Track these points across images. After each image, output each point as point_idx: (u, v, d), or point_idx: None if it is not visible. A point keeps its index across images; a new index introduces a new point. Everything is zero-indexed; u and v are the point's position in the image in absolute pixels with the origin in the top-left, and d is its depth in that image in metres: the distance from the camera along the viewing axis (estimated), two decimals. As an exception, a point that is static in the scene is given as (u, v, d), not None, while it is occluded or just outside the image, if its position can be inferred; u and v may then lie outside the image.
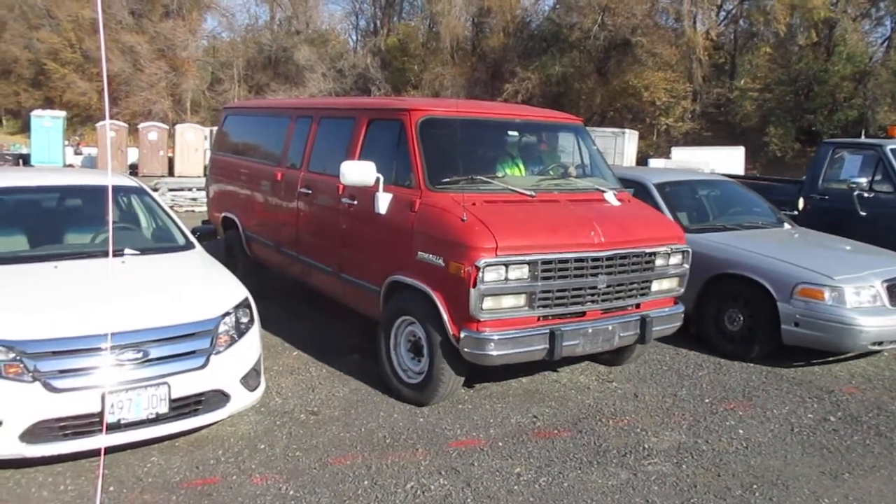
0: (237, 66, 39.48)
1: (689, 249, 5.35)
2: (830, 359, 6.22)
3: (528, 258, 4.47)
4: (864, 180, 8.36)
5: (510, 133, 5.90)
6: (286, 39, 39.94)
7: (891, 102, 28.36)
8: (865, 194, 8.27)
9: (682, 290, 5.42)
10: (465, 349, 4.49)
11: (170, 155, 24.35)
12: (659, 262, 5.12)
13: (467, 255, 4.37)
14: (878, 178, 8.36)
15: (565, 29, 34.59)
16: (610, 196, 5.35)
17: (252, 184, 7.22)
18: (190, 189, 16.51)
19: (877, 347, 5.88)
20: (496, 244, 4.37)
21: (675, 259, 5.25)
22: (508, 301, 4.49)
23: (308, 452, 4.19)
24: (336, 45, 41.03)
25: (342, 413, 4.78)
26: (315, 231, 6.13)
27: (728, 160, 21.08)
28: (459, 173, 4.96)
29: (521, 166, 5.67)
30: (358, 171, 4.96)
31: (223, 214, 7.83)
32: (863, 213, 8.17)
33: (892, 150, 8.42)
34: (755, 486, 3.99)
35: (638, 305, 5.13)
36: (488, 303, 4.40)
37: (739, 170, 21.34)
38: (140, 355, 3.74)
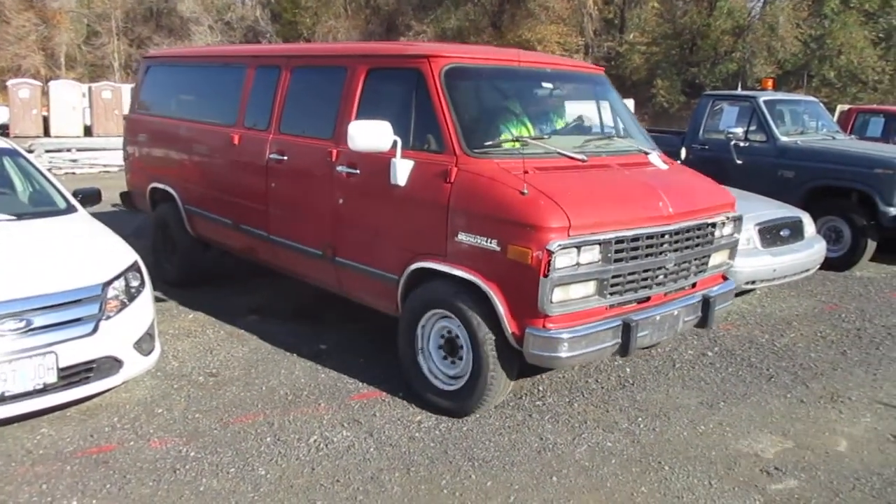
0: (115, 17, 37.25)
1: (742, 216, 4.79)
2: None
3: (600, 237, 3.73)
4: (739, 130, 8.81)
5: (544, 85, 4.99)
6: (169, -10, 37.93)
7: (766, 56, 29.99)
8: (741, 144, 8.75)
9: (733, 262, 4.87)
10: (532, 351, 3.74)
11: (44, 114, 22.83)
12: (716, 233, 4.51)
13: (535, 238, 3.60)
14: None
15: (459, -19, 34.48)
16: (655, 158, 4.74)
17: (194, 149, 6.12)
18: (69, 150, 15.58)
19: (750, 286, 6.34)
20: (569, 223, 3.62)
21: (728, 229, 4.64)
22: (577, 290, 3.76)
23: (208, 414, 4.16)
24: (223, -5, 39.30)
25: (242, 373, 4.75)
26: (295, 206, 5.12)
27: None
28: (500, 134, 4.24)
29: (556, 125, 4.94)
30: (370, 134, 4.03)
31: (153, 185, 6.61)
32: (739, 162, 8.65)
33: (765, 101, 8.93)
34: (640, 419, 4.27)
35: (694, 284, 4.52)
36: (558, 294, 3.66)
37: (629, 122, 22.10)
38: (23, 324, 3.58)
